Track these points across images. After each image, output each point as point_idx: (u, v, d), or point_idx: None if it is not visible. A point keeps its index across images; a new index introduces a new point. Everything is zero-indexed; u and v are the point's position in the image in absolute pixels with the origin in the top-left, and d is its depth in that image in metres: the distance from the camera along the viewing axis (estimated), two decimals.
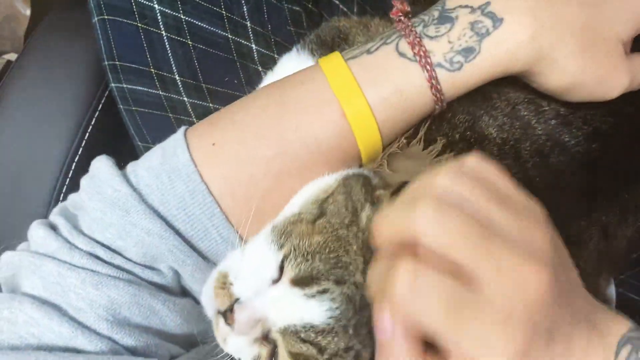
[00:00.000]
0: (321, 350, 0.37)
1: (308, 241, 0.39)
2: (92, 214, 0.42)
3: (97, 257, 0.40)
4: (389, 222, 0.31)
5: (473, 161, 0.32)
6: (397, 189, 0.40)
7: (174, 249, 0.41)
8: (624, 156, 0.47)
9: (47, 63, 0.70)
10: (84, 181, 0.44)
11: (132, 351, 0.39)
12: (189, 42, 0.58)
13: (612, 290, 0.59)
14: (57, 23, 0.73)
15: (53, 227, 0.42)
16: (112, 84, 0.60)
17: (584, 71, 0.42)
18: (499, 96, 0.46)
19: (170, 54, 0.58)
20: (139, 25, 0.56)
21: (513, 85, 0.46)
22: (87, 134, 0.67)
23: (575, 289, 0.34)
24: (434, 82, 0.41)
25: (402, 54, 0.42)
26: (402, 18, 0.43)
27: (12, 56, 1.09)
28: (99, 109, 0.68)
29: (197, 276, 0.43)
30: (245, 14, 0.60)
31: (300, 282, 0.38)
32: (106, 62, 0.59)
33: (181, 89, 0.59)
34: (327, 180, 0.44)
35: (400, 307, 0.29)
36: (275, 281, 0.39)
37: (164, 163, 0.43)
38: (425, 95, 0.42)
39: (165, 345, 0.41)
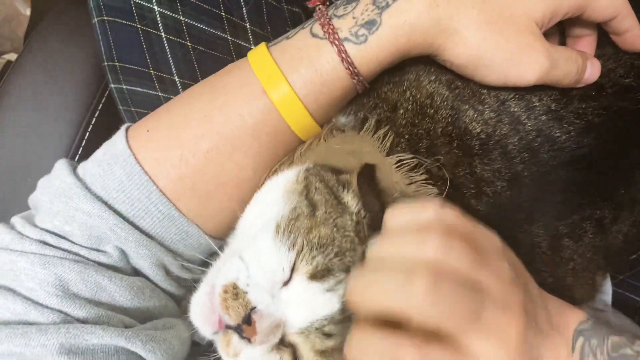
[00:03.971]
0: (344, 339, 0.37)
1: (317, 234, 0.39)
2: (43, 206, 0.45)
3: (46, 243, 0.44)
4: (376, 294, 0.33)
5: (441, 213, 0.34)
6: (361, 172, 0.42)
7: (115, 227, 0.44)
8: (619, 151, 0.47)
9: (47, 63, 0.70)
10: (40, 180, 0.48)
11: (83, 322, 0.42)
12: (189, 44, 0.58)
13: (608, 289, 0.59)
14: (57, 23, 0.73)
15: (11, 227, 0.46)
16: (112, 85, 0.60)
17: (489, 44, 0.42)
18: (489, 92, 0.46)
19: (169, 56, 0.58)
20: (139, 26, 0.57)
21: None
22: (87, 134, 0.67)
23: (535, 300, 0.38)
24: (343, 55, 0.44)
25: (314, 35, 0.45)
26: (320, 7, 0.46)
27: (12, 56, 1.09)
28: (99, 109, 0.68)
29: (141, 252, 0.45)
30: (245, 16, 0.60)
31: (317, 275, 0.38)
32: (106, 63, 0.59)
33: (180, 90, 0.59)
34: (290, 173, 0.45)
35: None
36: (286, 282, 0.39)
37: (105, 153, 0.47)
38: (339, 70, 0.44)
39: (117, 316, 0.43)
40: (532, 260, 0.46)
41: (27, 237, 0.44)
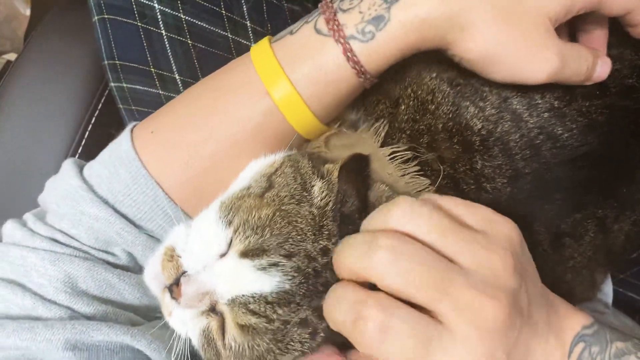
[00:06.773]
0: (270, 321, 0.37)
1: (257, 214, 0.39)
2: (50, 208, 0.45)
3: (56, 241, 0.44)
4: (347, 264, 0.35)
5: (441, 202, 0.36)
6: (345, 163, 0.42)
7: (122, 231, 0.44)
8: (622, 150, 0.47)
9: (47, 63, 0.70)
10: (48, 181, 0.47)
11: (90, 318, 0.42)
12: (189, 42, 0.58)
13: (609, 288, 0.59)
14: (57, 23, 0.73)
15: (23, 223, 0.46)
16: (112, 83, 0.60)
17: (501, 40, 0.41)
18: (491, 89, 0.46)
19: (170, 53, 0.58)
20: (139, 24, 0.57)
21: None
22: (87, 133, 0.67)
23: (534, 298, 0.37)
24: (349, 54, 0.41)
25: (318, 31, 0.43)
26: None
27: (12, 56, 1.10)
28: (99, 108, 0.68)
29: (149, 255, 0.45)
30: (245, 14, 0.60)
31: (249, 254, 0.38)
32: (106, 62, 0.59)
33: (181, 88, 0.59)
34: (273, 157, 0.45)
35: (370, 350, 0.32)
36: (223, 255, 0.39)
37: (111, 154, 0.46)
38: (345, 69, 0.42)
39: (125, 314, 0.44)
40: (533, 258, 0.46)
41: (38, 234, 0.44)
